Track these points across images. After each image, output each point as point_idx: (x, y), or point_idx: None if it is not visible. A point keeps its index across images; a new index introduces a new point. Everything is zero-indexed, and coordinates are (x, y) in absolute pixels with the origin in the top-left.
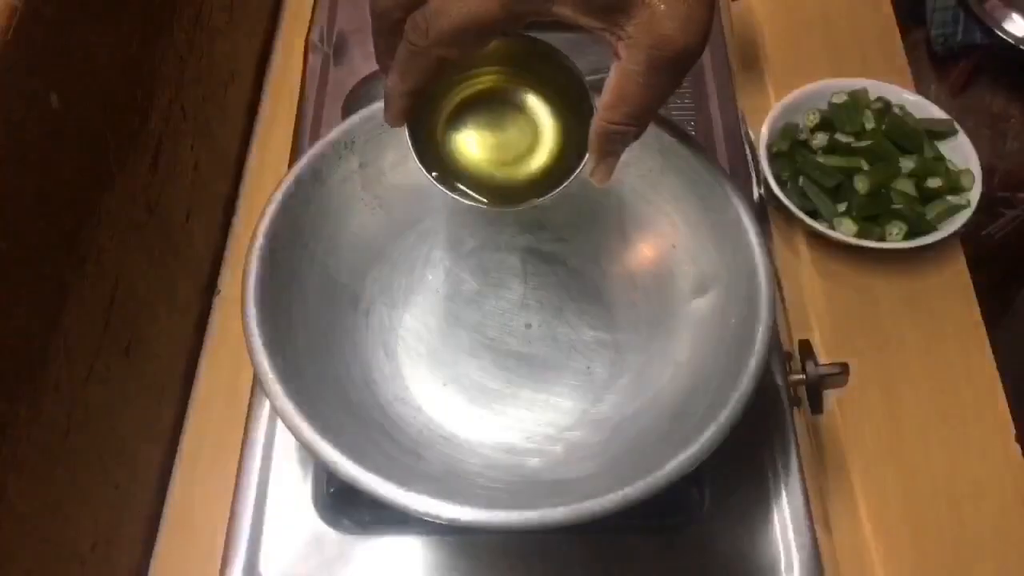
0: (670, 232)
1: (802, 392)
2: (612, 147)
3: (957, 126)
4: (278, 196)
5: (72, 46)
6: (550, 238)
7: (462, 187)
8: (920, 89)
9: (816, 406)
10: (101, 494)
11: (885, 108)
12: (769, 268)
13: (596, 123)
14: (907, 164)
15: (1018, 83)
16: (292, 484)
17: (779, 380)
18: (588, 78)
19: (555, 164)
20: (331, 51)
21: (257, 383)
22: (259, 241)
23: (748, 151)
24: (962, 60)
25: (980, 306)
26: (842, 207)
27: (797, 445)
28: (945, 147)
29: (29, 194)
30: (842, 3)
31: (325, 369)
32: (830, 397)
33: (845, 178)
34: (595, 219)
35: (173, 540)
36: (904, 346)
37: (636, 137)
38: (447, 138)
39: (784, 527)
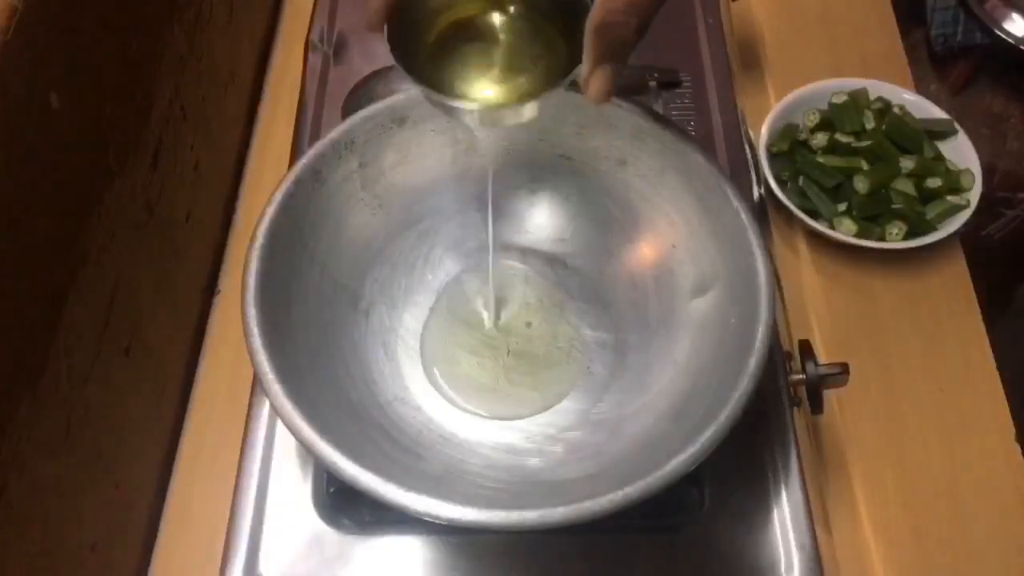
0: (670, 232)
1: (802, 392)
2: (610, 49)
3: (957, 126)
4: (278, 196)
5: (72, 46)
6: (550, 238)
7: (447, 97)
8: (920, 89)
9: (816, 406)
10: (101, 494)
11: (885, 108)
12: (769, 268)
13: (593, 15)
14: (907, 164)
15: (1018, 83)
16: (292, 484)
17: (779, 380)
18: None
19: (549, 77)
20: (331, 51)
21: (257, 383)
22: (259, 241)
23: (748, 151)
24: (962, 60)
25: (980, 306)
26: (842, 207)
27: (797, 445)
28: (945, 147)
29: (29, 194)
30: (842, 3)
31: (325, 369)
32: (830, 397)
33: (845, 178)
34: (595, 219)
35: (173, 540)
36: (904, 346)
37: (637, 36)
38: (434, 58)
39: (784, 527)
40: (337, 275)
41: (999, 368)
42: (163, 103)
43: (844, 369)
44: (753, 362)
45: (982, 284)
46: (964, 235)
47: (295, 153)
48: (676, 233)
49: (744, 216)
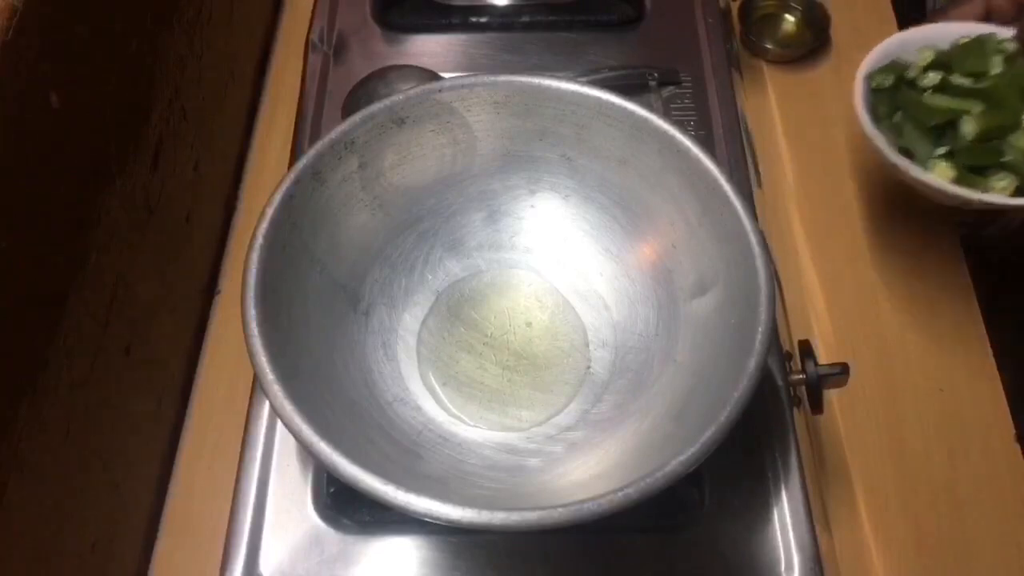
0: (670, 232)
1: (802, 392)
2: None
3: None
4: (278, 196)
5: (72, 46)
6: (550, 238)
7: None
8: None
9: (816, 406)
10: (101, 494)
11: (1018, 53)
12: (769, 268)
13: None
14: None
15: None
16: (292, 484)
17: (779, 380)
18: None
19: None
20: (331, 51)
21: (257, 383)
22: (259, 241)
23: (748, 151)
24: None
25: (980, 306)
26: (942, 150)
27: (797, 445)
28: None
29: (29, 194)
30: (842, 3)
31: (325, 369)
32: (830, 397)
33: (950, 120)
34: (595, 219)
35: (173, 540)
36: (904, 346)
37: None
38: None
39: (784, 527)
40: (337, 275)
41: (999, 368)
42: (163, 103)
43: (844, 369)
44: (753, 362)
45: (982, 284)
46: (964, 235)
47: (295, 153)
48: (676, 233)
49: (744, 216)
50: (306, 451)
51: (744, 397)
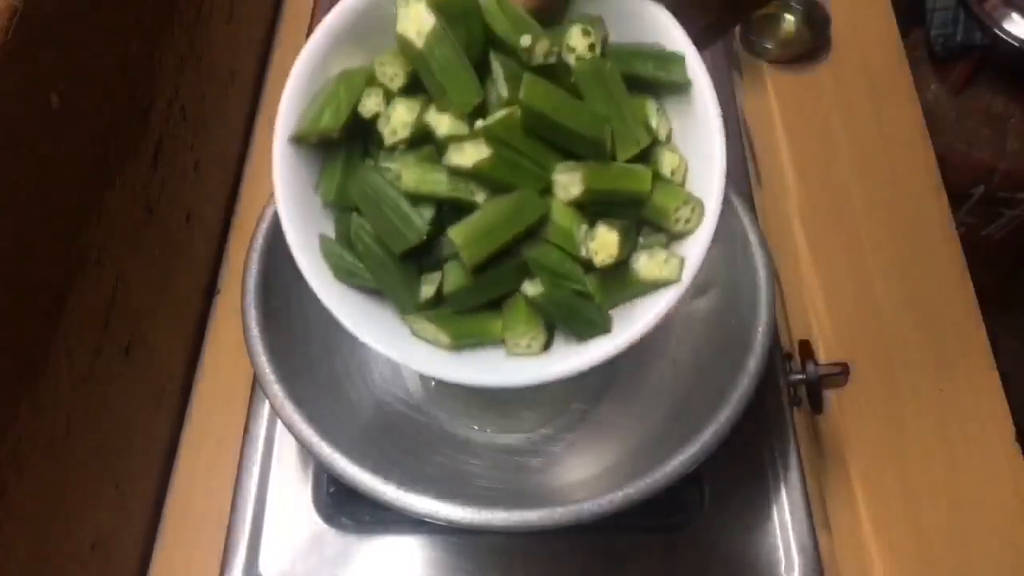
0: None
1: (802, 392)
2: None
3: None
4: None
5: (72, 46)
6: None
7: None
8: (920, 89)
9: (816, 406)
10: (101, 494)
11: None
12: (769, 268)
13: None
14: None
15: (1019, 83)
16: (292, 484)
17: (779, 380)
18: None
19: None
20: None
21: (257, 383)
22: (259, 241)
23: (748, 151)
24: (962, 60)
25: (980, 306)
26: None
27: (797, 445)
28: None
29: (29, 194)
30: (842, 3)
31: (325, 369)
32: (830, 397)
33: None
34: None
35: (173, 540)
36: (904, 346)
37: None
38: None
39: (784, 527)
40: None
41: (999, 368)
42: (163, 103)
43: (844, 369)
44: (753, 362)
45: (982, 284)
46: (964, 235)
47: None
48: None
49: (744, 216)
50: (306, 451)
51: (744, 397)
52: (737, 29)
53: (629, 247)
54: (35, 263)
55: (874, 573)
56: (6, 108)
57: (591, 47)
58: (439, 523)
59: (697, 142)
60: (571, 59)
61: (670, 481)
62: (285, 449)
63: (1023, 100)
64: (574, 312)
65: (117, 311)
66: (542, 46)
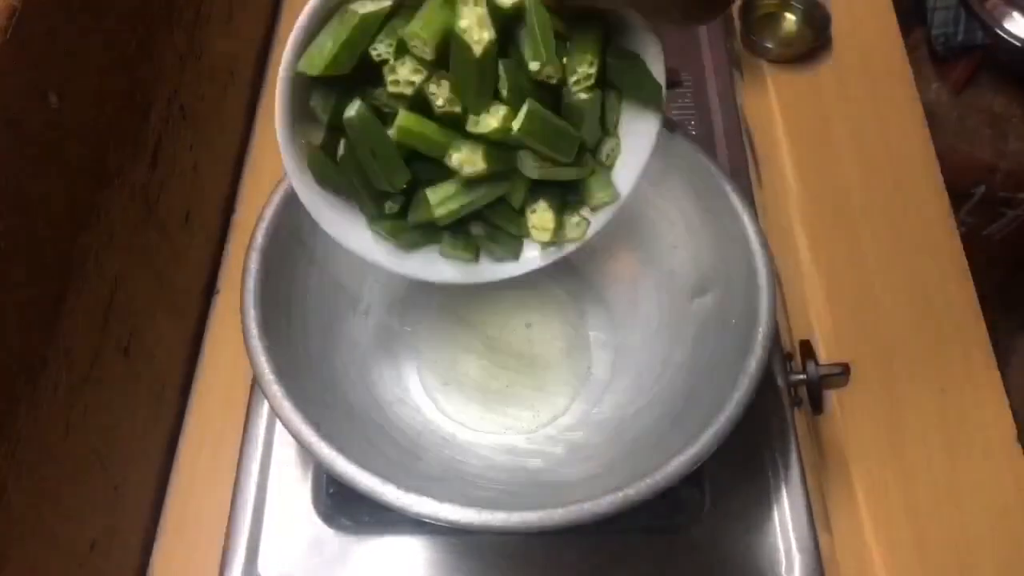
0: (670, 232)
1: (803, 392)
2: None
3: None
4: (278, 196)
5: (72, 46)
6: None
7: None
8: (921, 88)
9: (816, 406)
10: (101, 494)
11: None
12: (769, 268)
13: None
14: None
15: (1020, 83)
16: (292, 484)
17: (779, 380)
18: None
19: None
20: None
21: (256, 383)
22: (259, 241)
23: (748, 151)
24: (963, 60)
25: (981, 306)
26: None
27: (797, 445)
28: None
29: (29, 194)
30: (842, 3)
31: (325, 369)
32: (830, 397)
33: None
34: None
35: (173, 540)
36: (904, 346)
37: None
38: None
39: (784, 527)
40: (336, 275)
41: (999, 368)
42: (163, 103)
43: (844, 369)
44: (753, 362)
45: (982, 284)
46: (964, 235)
47: None
48: (676, 233)
49: (744, 216)
50: (306, 451)
51: (744, 397)
52: (737, 28)
53: (559, 223)
54: (34, 263)
55: (875, 574)
56: (6, 108)
57: (588, 76)
58: (439, 524)
59: (635, 137)
60: (571, 80)
61: (671, 482)
62: (284, 449)
63: None
64: (502, 245)
65: (116, 311)
66: (547, 71)
